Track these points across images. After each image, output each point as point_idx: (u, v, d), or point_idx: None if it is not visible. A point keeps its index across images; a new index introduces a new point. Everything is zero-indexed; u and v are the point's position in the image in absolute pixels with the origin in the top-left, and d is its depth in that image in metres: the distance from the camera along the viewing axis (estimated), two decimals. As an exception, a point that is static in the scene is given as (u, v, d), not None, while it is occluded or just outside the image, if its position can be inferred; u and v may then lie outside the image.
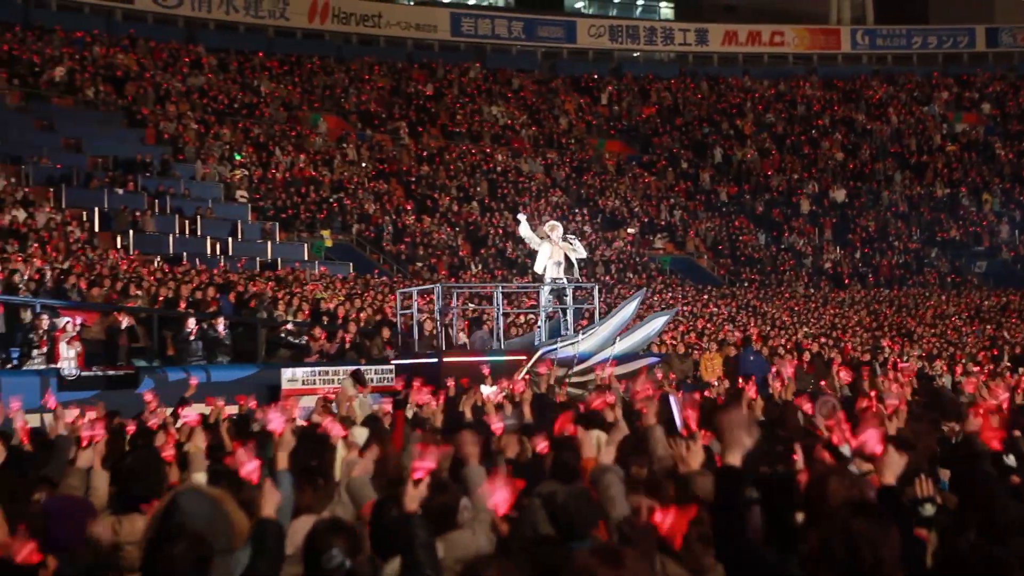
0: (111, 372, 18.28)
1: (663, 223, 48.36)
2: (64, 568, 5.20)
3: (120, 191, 35.96)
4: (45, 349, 18.89)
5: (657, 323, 21.57)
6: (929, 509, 5.76)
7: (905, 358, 25.71)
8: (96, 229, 33.78)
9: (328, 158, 44.53)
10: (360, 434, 9.41)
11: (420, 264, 38.85)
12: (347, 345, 22.38)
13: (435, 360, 19.11)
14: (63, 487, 7.19)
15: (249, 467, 5.75)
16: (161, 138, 41.26)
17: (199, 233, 35.68)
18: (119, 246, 32.79)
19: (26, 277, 22.46)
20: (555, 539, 5.33)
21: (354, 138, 46.94)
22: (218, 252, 34.78)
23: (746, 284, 44.56)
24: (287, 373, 19.44)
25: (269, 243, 36.82)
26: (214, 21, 52.81)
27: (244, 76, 49.09)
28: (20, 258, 25.45)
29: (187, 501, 4.79)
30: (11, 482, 7.58)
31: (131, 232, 33.79)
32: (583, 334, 19.71)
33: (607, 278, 41.27)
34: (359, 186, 42.99)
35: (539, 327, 20.53)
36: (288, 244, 37.49)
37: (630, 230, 46.58)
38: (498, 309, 20.93)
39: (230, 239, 35.98)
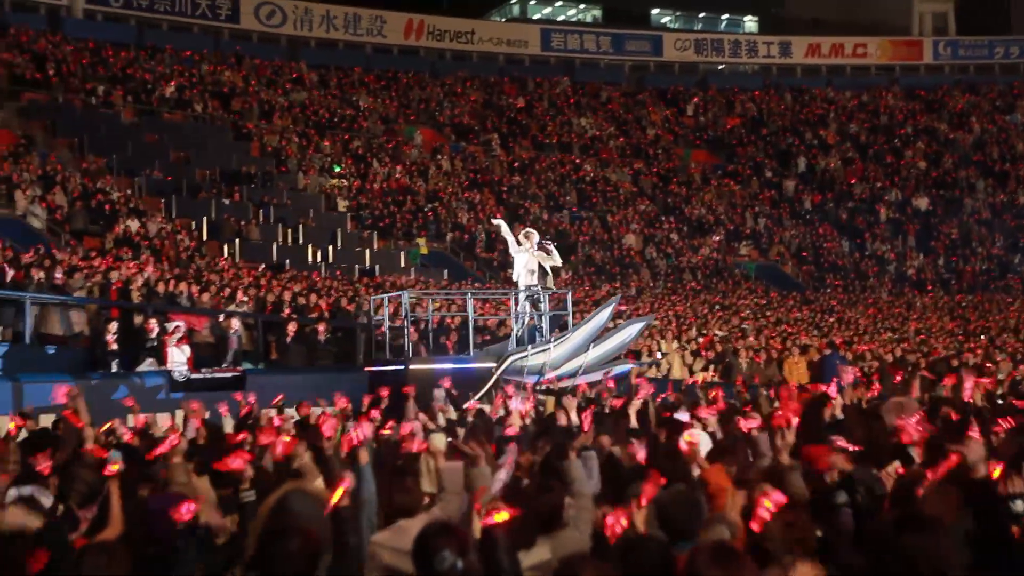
0: (219, 374, 18.42)
1: (748, 231, 47.90)
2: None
3: (226, 201, 36.49)
4: (156, 351, 19.18)
5: (632, 330, 20.31)
6: (1020, 506, 5.59)
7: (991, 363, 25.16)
8: (204, 237, 34.26)
9: (423, 169, 44.76)
10: (439, 440, 9.44)
11: (511, 270, 38.77)
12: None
13: (402, 367, 18.07)
14: (172, 485, 7.27)
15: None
16: (265, 151, 41.76)
17: (301, 241, 36.05)
18: (225, 254, 33.24)
19: (139, 283, 22.81)
20: (652, 539, 5.24)
21: (448, 150, 47.14)
22: (319, 259, 35.12)
23: (829, 290, 43.97)
24: (385, 375, 19.50)
25: (367, 251, 37.09)
26: (315, 39, 53.44)
27: (343, 91, 49.56)
28: (134, 265, 25.87)
29: (295, 501, 4.82)
30: (123, 479, 7.69)
31: (237, 240, 34.27)
32: (555, 341, 18.70)
33: (694, 284, 41.03)
34: (453, 196, 43.13)
35: (512, 334, 19.28)
36: (385, 252, 37.72)
37: (715, 237, 46.22)
38: (470, 315, 19.90)
39: (330, 247, 36.29)
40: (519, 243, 18.75)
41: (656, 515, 5.73)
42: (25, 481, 6.46)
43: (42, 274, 21.71)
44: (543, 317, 19.01)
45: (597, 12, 67.94)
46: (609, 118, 54.45)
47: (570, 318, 19.82)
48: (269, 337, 21.65)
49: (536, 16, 66.82)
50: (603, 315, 19.73)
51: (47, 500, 6.28)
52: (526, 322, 18.94)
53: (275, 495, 5.14)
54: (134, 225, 31.59)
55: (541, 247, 18.73)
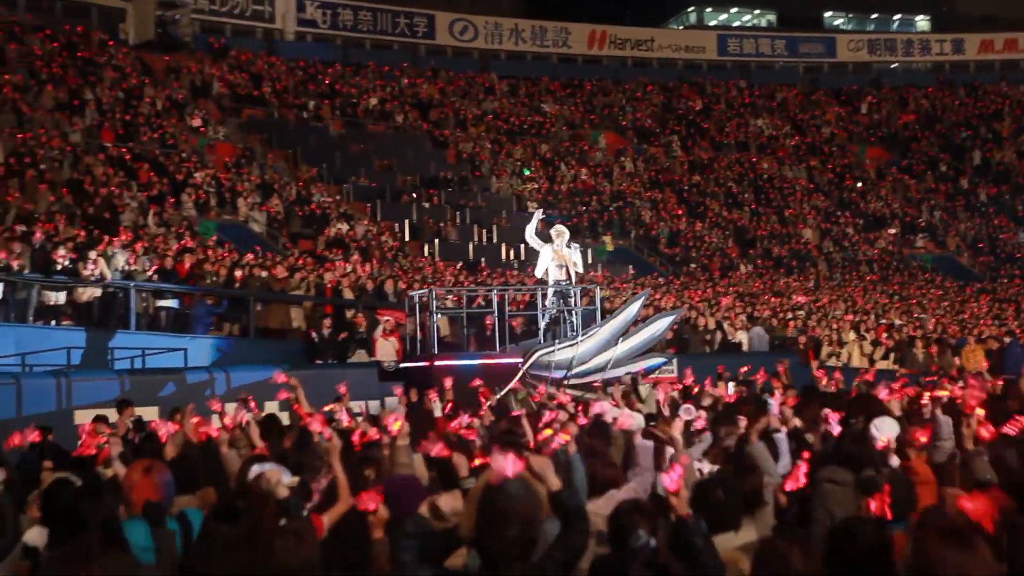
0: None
1: (923, 223, 46.36)
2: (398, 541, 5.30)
3: (426, 205, 37.12)
4: (366, 344, 19.64)
5: (662, 324, 19.00)
6: None
7: None
8: (406, 238, 34.88)
9: (608, 170, 44.68)
10: (638, 420, 9.34)
11: (693, 265, 38.50)
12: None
13: (426, 364, 17.48)
14: (396, 467, 7.37)
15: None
16: (460, 157, 42.28)
17: (494, 241, 36.40)
18: (426, 253, 33.77)
19: (350, 282, 23.36)
20: (868, 520, 5.05)
21: (631, 152, 46.96)
22: (511, 257, 35.38)
23: (1006, 280, 42.17)
24: (578, 365, 19.51)
25: (556, 248, 37.12)
26: (505, 51, 53.89)
27: (532, 99, 49.80)
28: (344, 264, 26.52)
29: (507, 483, 4.81)
30: (345, 459, 7.84)
31: (436, 241, 34.79)
32: (582, 336, 17.78)
33: (871, 276, 39.93)
34: (636, 195, 42.94)
35: (541, 329, 18.30)
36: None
37: (891, 231, 44.88)
38: (499, 311, 18.61)
39: (522, 245, 36.45)
40: (549, 238, 17.97)
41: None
42: (263, 459, 6.64)
43: (264, 274, 22.44)
44: (575, 313, 18.19)
45: (772, 17, 66.71)
46: (784, 118, 53.44)
47: (598, 313, 18.91)
48: (470, 330, 21.87)
49: (712, 23, 66.02)
50: (631, 309, 18.76)
51: (285, 475, 6.45)
52: (553, 315, 18.20)
53: (484, 478, 5.16)
54: (343, 228, 32.37)
55: (569, 247, 17.93)
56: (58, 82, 35.31)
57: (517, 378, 16.81)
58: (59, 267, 18.93)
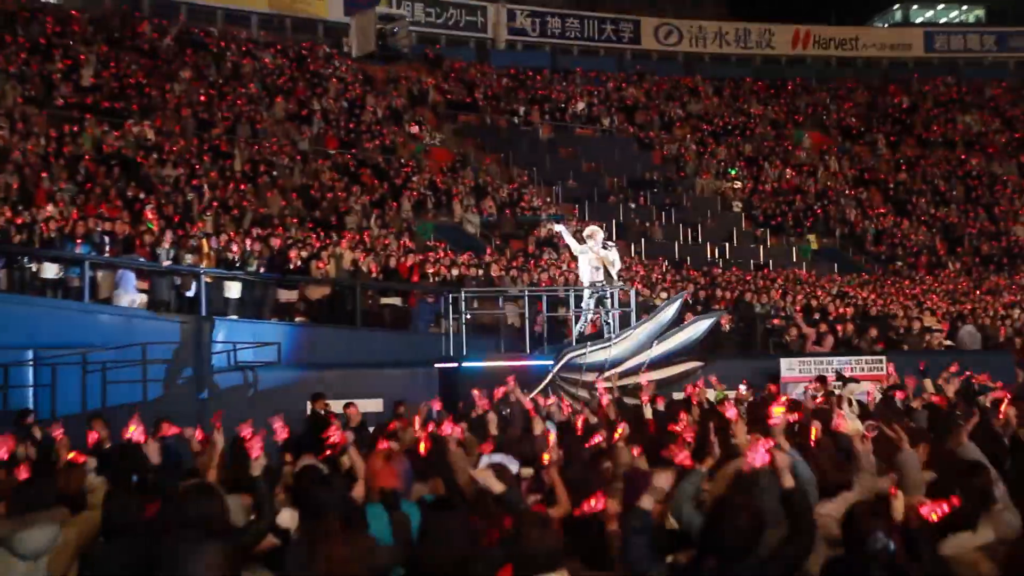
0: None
1: None
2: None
3: (632, 205, 37.04)
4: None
5: (700, 327, 17.96)
6: None
7: None
8: (613, 238, 34.75)
9: (812, 169, 43.66)
10: (857, 423, 9.10)
11: (899, 263, 37.26)
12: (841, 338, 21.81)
13: (455, 365, 16.97)
14: (619, 467, 7.36)
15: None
16: (666, 158, 42.03)
17: (700, 240, 36.05)
18: (632, 253, 33.68)
19: (559, 280, 23.55)
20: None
21: (835, 151, 45.77)
22: (716, 256, 34.99)
23: None
24: (786, 363, 19.18)
25: (761, 247, 36.60)
26: (709, 54, 53.31)
27: (736, 100, 49.09)
28: (554, 264, 26.74)
29: (740, 480, 4.80)
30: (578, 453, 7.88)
31: (642, 240, 34.68)
32: (616, 338, 17.08)
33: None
34: (841, 194, 41.83)
35: (575, 331, 17.65)
36: (778, 248, 37.07)
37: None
38: (530, 312, 18.14)
39: (727, 244, 36.07)
40: (583, 242, 17.42)
41: None
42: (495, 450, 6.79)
43: (479, 272, 22.83)
44: (610, 314, 17.56)
45: (980, 12, 63.90)
46: (994, 114, 51.09)
47: (633, 315, 18.08)
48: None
49: (919, 20, 63.68)
50: (668, 312, 17.91)
51: (514, 466, 6.57)
52: (590, 319, 17.68)
53: (723, 473, 5.15)
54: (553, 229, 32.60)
55: (604, 247, 17.39)
56: (288, 94, 36.75)
57: (546, 381, 16.45)
58: (292, 267, 19.69)
